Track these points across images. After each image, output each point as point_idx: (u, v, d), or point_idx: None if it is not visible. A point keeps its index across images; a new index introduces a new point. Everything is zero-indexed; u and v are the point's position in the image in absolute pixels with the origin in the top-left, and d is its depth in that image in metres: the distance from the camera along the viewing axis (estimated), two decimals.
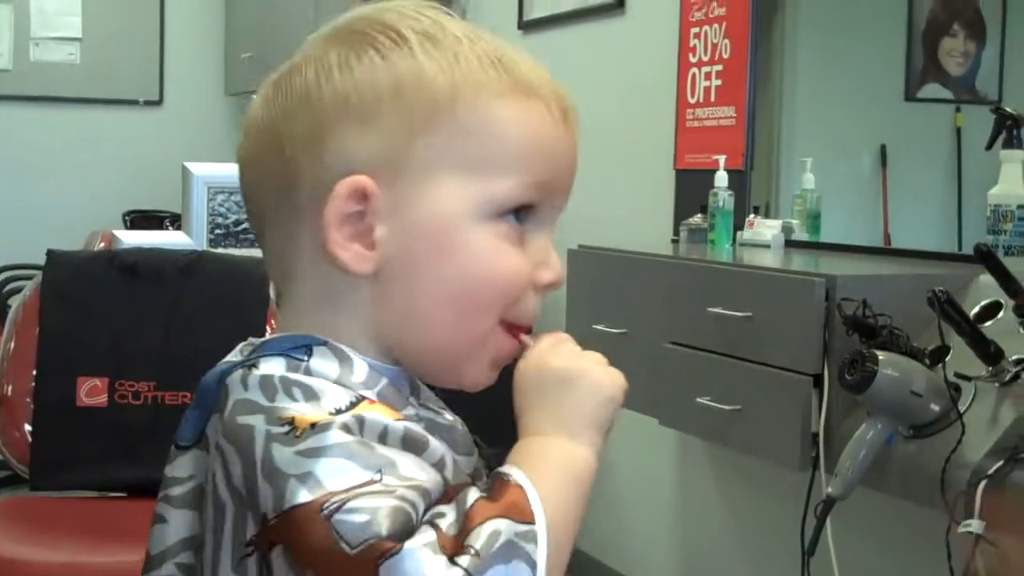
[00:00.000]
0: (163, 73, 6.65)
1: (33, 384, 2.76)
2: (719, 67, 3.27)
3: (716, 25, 3.27)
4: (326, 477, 0.77)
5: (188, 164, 4.18)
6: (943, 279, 2.13)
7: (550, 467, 0.85)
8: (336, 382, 0.85)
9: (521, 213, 0.89)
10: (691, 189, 3.32)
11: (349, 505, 0.76)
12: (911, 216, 3.42)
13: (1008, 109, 2.35)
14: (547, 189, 0.90)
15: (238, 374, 0.85)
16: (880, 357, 1.88)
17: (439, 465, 0.83)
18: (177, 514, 0.90)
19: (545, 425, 0.89)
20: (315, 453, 0.78)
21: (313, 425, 0.79)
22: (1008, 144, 2.32)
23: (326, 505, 0.76)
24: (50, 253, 2.88)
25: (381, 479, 0.77)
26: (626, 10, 3.76)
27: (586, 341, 2.87)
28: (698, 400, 2.44)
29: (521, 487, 0.81)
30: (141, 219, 6.11)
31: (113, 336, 2.78)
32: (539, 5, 4.26)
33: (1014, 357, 1.94)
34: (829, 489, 1.98)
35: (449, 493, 0.81)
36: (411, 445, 0.82)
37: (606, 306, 2.88)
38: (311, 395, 0.82)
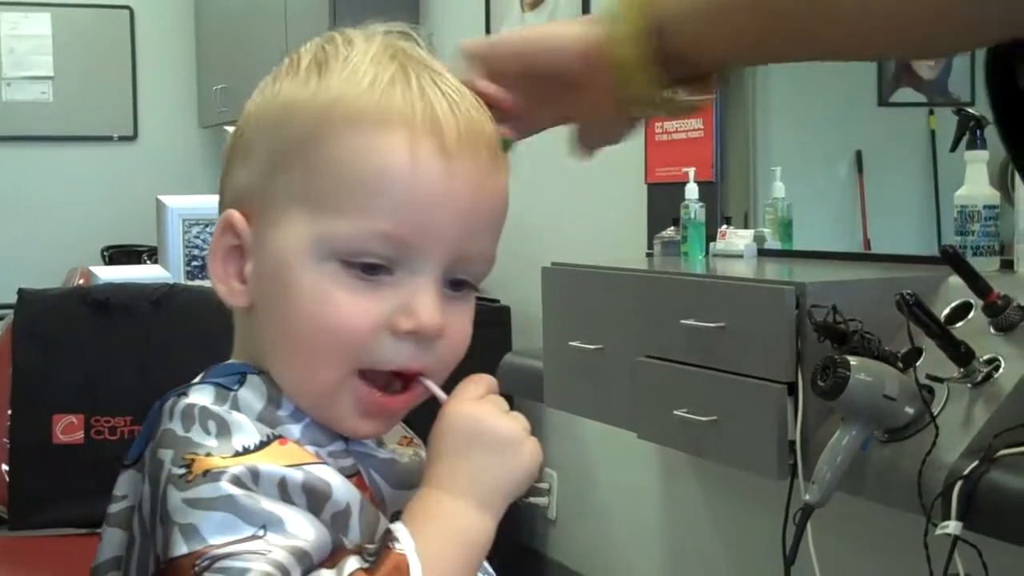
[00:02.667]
0: (136, 108, 6.65)
1: (8, 423, 2.75)
2: None
3: None
4: (207, 531, 0.76)
5: (162, 197, 4.18)
6: (912, 282, 2.13)
7: (446, 535, 0.82)
8: (260, 414, 0.84)
9: (372, 265, 0.83)
10: (663, 202, 3.32)
11: (220, 564, 0.75)
12: (889, 221, 3.42)
13: (970, 110, 2.35)
14: (399, 240, 0.83)
15: (171, 402, 0.85)
16: (852, 362, 1.88)
17: (343, 515, 0.81)
18: (110, 532, 0.90)
19: (457, 482, 0.84)
20: (201, 504, 0.77)
21: (206, 472, 0.78)
22: (972, 145, 2.33)
23: (200, 560, 0.76)
24: (21, 292, 2.87)
25: (264, 535, 0.76)
26: None
27: (563, 358, 2.85)
28: (675, 412, 2.44)
29: (404, 556, 0.78)
30: (120, 254, 6.10)
31: (87, 372, 2.78)
32: (506, 25, 4.26)
33: (985, 357, 1.94)
34: (807, 496, 1.98)
35: (335, 556, 0.79)
36: (312, 494, 0.80)
37: (581, 322, 2.88)
38: (224, 430, 0.81)
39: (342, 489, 0.81)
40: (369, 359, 0.84)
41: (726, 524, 3.18)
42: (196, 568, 0.75)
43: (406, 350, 0.84)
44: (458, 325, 0.88)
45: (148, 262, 5.65)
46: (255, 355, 0.89)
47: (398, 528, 0.80)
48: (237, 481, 0.77)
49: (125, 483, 0.89)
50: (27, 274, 4.84)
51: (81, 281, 4.80)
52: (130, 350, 2.81)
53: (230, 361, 0.90)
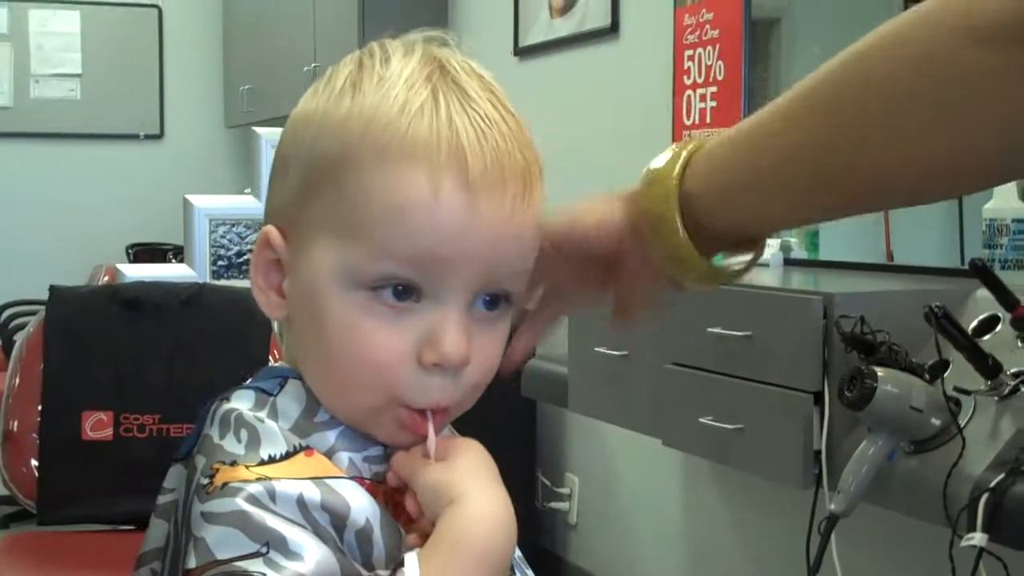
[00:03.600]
0: (163, 107, 6.70)
1: (39, 420, 2.77)
2: (714, 88, 3.28)
3: (710, 47, 3.29)
4: (215, 545, 0.78)
5: (189, 196, 4.20)
6: (941, 294, 2.14)
7: (455, 558, 0.80)
8: (297, 420, 0.86)
9: (401, 289, 0.83)
10: None
11: None
12: (913, 231, 3.42)
13: None
14: (423, 265, 0.82)
15: (215, 404, 0.88)
16: (879, 373, 1.89)
17: (364, 533, 0.81)
18: (156, 523, 0.91)
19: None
20: (212, 518, 0.79)
21: (225, 485, 0.79)
22: None
23: (206, 575, 0.78)
24: (52, 289, 2.89)
25: (268, 552, 0.77)
26: (620, 35, 3.78)
27: (588, 364, 2.86)
28: (700, 420, 2.45)
29: None
30: (144, 252, 6.14)
31: (117, 370, 2.79)
32: (534, 31, 4.28)
33: (1012, 370, 1.95)
34: (832, 506, 1.99)
35: None
36: (333, 512, 0.80)
37: (607, 329, 2.88)
38: (254, 439, 0.83)
39: (362, 505, 0.82)
40: (403, 394, 0.84)
41: (748, 532, 3.19)
42: None
43: (435, 384, 0.84)
44: (488, 349, 0.88)
45: (173, 261, 5.68)
46: (296, 361, 0.90)
47: (409, 557, 0.80)
48: (253, 500, 0.78)
49: (173, 477, 0.91)
50: (53, 271, 4.87)
51: (107, 278, 4.83)
52: (159, 348, 2.82)
53: (278, 364, 0.92)
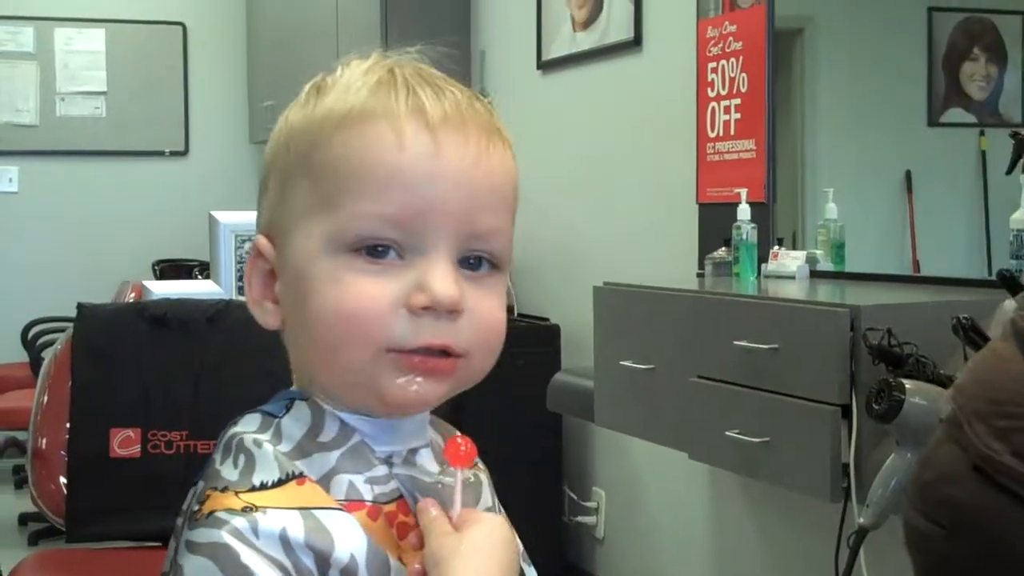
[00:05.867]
0: (188, 123, 6.72)
1: (67, 437, 2.78)
2: (737, 100, 3.28)
3: (733, 59, 3.29)
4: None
5: (215, 213, 4.21)
6: (968, 305, 2.13)
7: None
8: (299, 441, 0.87)
9: (382, 248, 0.85)
10: (714, 223, 3.33)
11: None
12: (939, 242, 3.41)
13: None
14: (400, 221, 0.84)
15: (227, 428, 0.89)
16: (907, 386, 1.89)
17: (349, 570, 0.82)
18: (173, 544, 0.92)
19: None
20: (193, 548, 0.80)
21: (211, 514, 0.81)
22: None
23: None
24: (80, 307, 2.90)
25: None
26: (643, 48, 3.78)
27: (614, 378, 2.86)
28: (727, 433, 2.45)
29: None
30: (170, 268, 6.16)
31: (144, 387, 2.80)
32: (557, 45, 4.29)
33: None
34: (861, 519, 1.98)
35: None
36: (315, 550, 0.81)
37: (632, 342, 2.89)
38: (248, 465, 0.84)
39: (348, 542, 0.82)
40: (391, 338, 0.84)
41: (775, 545, 3.17)
42: None
43: (426, 327, 0.84)
44: (485, 304, 0.88)
45: (199, 277, 5.70)
46: (300, 376, 0.92)
47: None
48: (236, 534, 0.79)
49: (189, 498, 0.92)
50: (80, 287, 4.91)
51: (134, 295, 4.84)
52: (186, 365, 2.83)
53: (291, 389, 0.93)
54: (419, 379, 0.85)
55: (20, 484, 5.51)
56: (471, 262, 0.87)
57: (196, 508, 0.82)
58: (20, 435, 5.08)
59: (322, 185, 0.86)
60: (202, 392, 2.81)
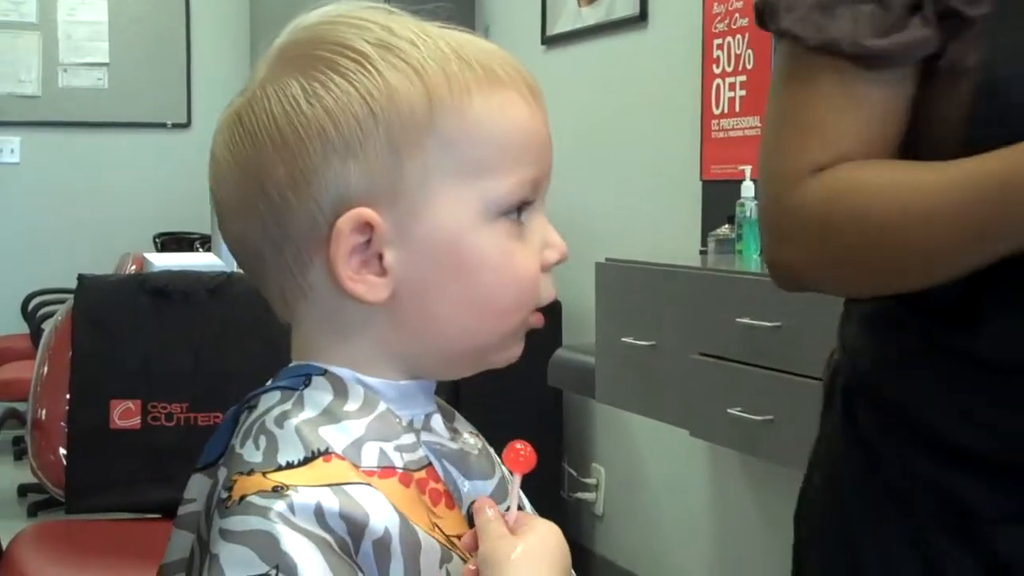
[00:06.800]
0: (190, 96, 6.70)
1: (67, 408, 2.78)
2: (743, 78, 3.27)
3: (739, 36, 3.27)
4: (226, 564, 0.78)
5: None
6: None
7: None
8: (328, 408, 0.85)
9: (522, 208, 0.88)
10: (718, 200, 3.31)
11: None
12: None
13: None
14: (538, 181, 0.89)
15: (243, 415, 0.88)
16: None
17: (382, 543, 0.81)
18: (180, 534, 0.91)
19: None
20: (229, 536, 0.79)
21: (242, 499, 0.80)
22: None
23: None
24: (81, 278, 2.89)
25: (277, 575, 0.77)
26: (649, 23, 3.76)
27: (616, 355, 2.85)
28: (729, 411, 2.44)
29: None
30: (171, 241, 6.16)
31: (145, 358, 2.80)
32: (562, 20, 4.27)
33: None
34: None
35: None
36: (350, 521, 0.80)
37: (635, 319, 2.88)
38: (271, 445, 0.83)
39: (381, 514, 0.81)
40: (538, 300, 0.90)
41: (775, 522, 3.17)
42: None
43: (548, 281, 0.91)
44: None
45: (200, 249, 5.69)
46: (390, 339, 0.88)
47: None
48: (277, 517, 0.78)
49: (195, 486, 0.91)
50: (81, 259, 4.89)
51: (134, 267, 4.84)
52: (187, 337, 2.83)
53: (296, 363, 0.90)
54: (521, 345, 0.93)
55: (20, 455, 5.52)
56: None
57: (225, 495, 0.80)
58: (20, 406, 5.08)
59: (465, 151, 0.85)
60: (203, 364, 2.81)
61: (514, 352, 0.92)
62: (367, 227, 0.85)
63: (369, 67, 0.85)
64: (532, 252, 0.88)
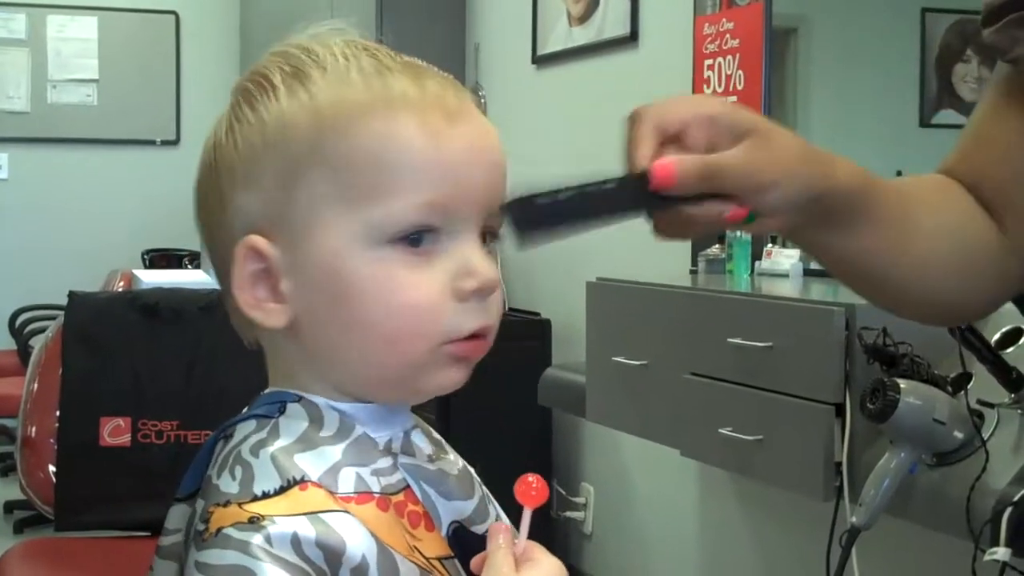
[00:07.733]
0: (180, 113, 6.71)
1: (56, 425, 2.77)
2: (733, 98, 3.28)
3: (730, 56, 3.28)
4: None
5: None
6: None
7: None
8: (303, 435, 0.85)
9: (419, 236, 0.85)
10: None
11: None
12: None
13: None
14: (440, 206, 0.85)
15: (220, 444, 0.87)
16: (902, 385, 1.88)
17: (359, 570, 0.81)
18: (162, 564, 0.90)
19: None
20: (204, 569, 0.79)
21: (219, 531, 0.79)
22: None
23: None
24: (71, 295, 2.89)
25: None
26: (640, 43, 3.78)
27: (606, 374, 2.85)
28: (720, 431, 2.44)
29: None
30: (160, 257, 6.16)
31: (135, 376, 2.80)
32: (553, 39, 4.28)
33: None
34: (854, 519, 1.98)
35: None
36: (327, 549, 0.80)
37: (625, 338, 2.88)
38: (247, 475, 0.83)
39: (358, 542, 0.81)
40: (447, 330, 0.85)
41: (766, 544, 3.17)
42: None
43: (472, 311, 0.86)
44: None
45: (189, 266, 5.69)
46: (298, 373, 0.89)
47: None
48: (254, 551, 0.78)
49: (176, 516, 0.90)
50: (69, 275, 4.88)
51: (123, 284, 4.84)
52: (178, 354, 2.82)
53: (270, 390, 0.90)
54: (457, 372, 0.87)
55: (6, 472, 5.49)
56: (484, 238, 0.89)
57: (202, 528, 0.80)
58: (7, 423, 5.06)
59: (349, 177, 0.84)
60: (193, 382, 2.80)
61: (445, 378, 0.87)
62: (259, 255, 0.86)
63: (271, 97, 0.87)
64: (432, 280, 0.85)
